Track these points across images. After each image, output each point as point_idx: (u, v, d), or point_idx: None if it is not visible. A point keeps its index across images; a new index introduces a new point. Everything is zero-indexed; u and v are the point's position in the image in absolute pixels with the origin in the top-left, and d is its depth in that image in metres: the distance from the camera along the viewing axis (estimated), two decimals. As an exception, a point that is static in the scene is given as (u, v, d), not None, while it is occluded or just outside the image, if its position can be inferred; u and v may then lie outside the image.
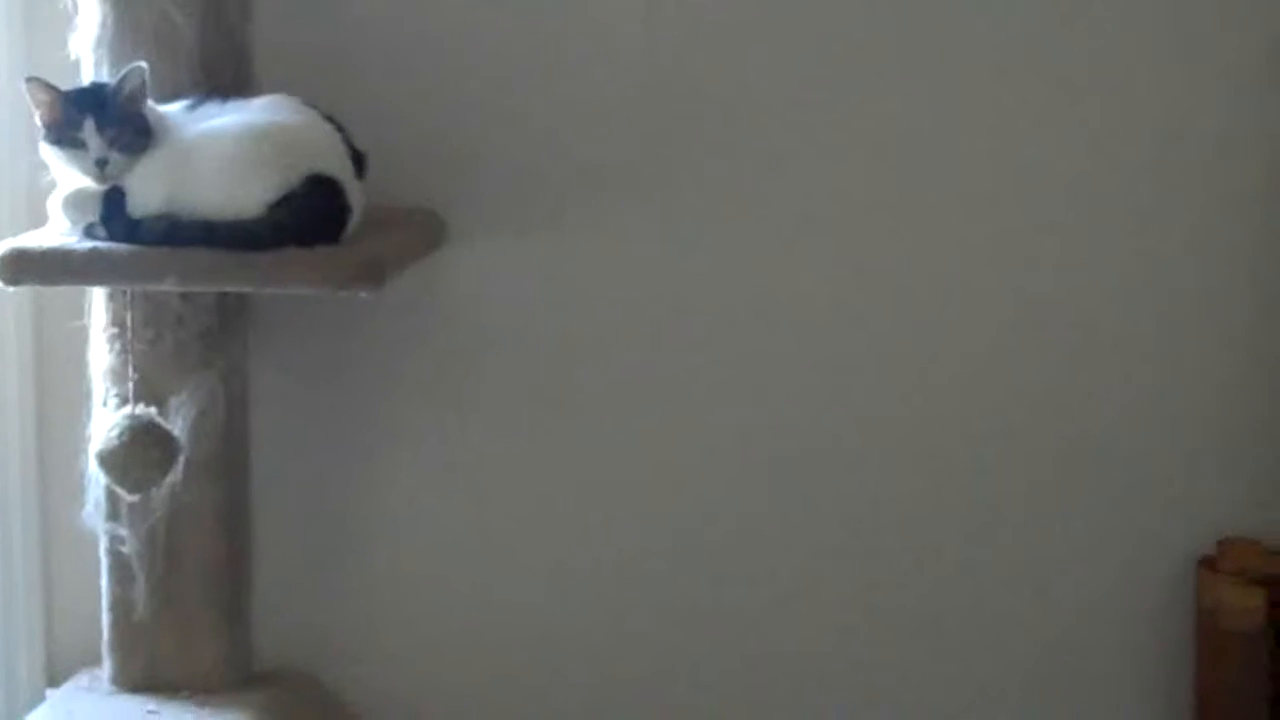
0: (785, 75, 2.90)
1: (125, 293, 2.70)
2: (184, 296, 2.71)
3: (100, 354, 2.75)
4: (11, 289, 2.59)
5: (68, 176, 2.56)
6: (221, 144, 2.54)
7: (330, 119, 2.63)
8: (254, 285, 2.56)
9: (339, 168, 2.59)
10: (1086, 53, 2.87)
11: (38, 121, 2.55)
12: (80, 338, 2.78)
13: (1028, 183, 2.91)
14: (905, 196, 2.92)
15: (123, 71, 2.54)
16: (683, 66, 2.90)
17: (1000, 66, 2.89)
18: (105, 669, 2.86)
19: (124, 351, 2.72)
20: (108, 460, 2.65)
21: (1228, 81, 2.86)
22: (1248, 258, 2.89)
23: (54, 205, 2.59)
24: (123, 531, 2.77)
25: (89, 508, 2.77)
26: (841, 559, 2.99)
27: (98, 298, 2.75)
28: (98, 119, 2.51)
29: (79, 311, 2.77)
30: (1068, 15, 2.87)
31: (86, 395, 2.77)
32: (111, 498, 2.74)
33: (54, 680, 2.99)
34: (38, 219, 2.67)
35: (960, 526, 2.98)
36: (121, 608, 2.81)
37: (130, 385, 2.70)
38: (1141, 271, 2.91)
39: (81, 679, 2.91)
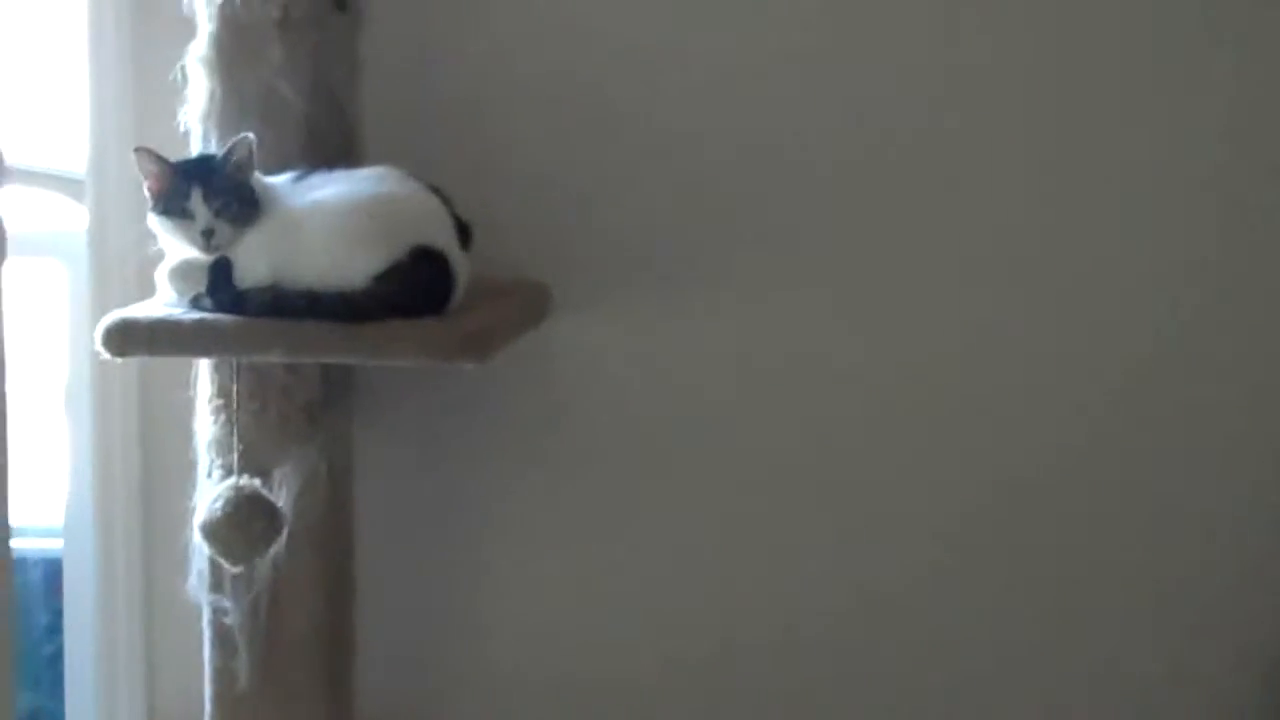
0: (891, 159, 2.90)
1: (231, 364, 2.70)
2: (289, 368, 2.71)
3: (205, 425, 2.76)
4: (119, 359, 2.59)
5: (175, 247, 2.57)
6: (327, 216, 2.54)
7: (436, 190, 2.63)
8: (359, 357, 2.55)
9: (445, 239, 2.58)
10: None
11: (146, 192, 2.56)
12: (186, 409, 2.79)
13: (1095, 270, 2.89)
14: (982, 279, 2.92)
15: (230, 143, 2.55)
16: (791, 145, 2.89)
17: (1056, 154, 2.88)
18: (207, 740, 2.85)
19: (229, 423, 2.72)
20: (211, 532, 2.65)
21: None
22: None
23: (161, 276, 2.60)
24: (226, 603, 2.76)
25: (193, 579, 2.77)
26: (931, 651, 2.98)
27: (203, 369, 2.75)
28: (205, 190, 2.52)
29: (185, 383, 2.77)
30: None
31: (191, 466, 2.78)
32: (215, 569, 2.74)
33: (157, 751, 3.00)
34: (145, 290, 2.68)
35: (1048, 617, 2.95)
36: (224, 679, 2.80)
37: (235, 456, 2.70)
38: (1248, 373, 2.88)
39: (184, 750, 2.91)
